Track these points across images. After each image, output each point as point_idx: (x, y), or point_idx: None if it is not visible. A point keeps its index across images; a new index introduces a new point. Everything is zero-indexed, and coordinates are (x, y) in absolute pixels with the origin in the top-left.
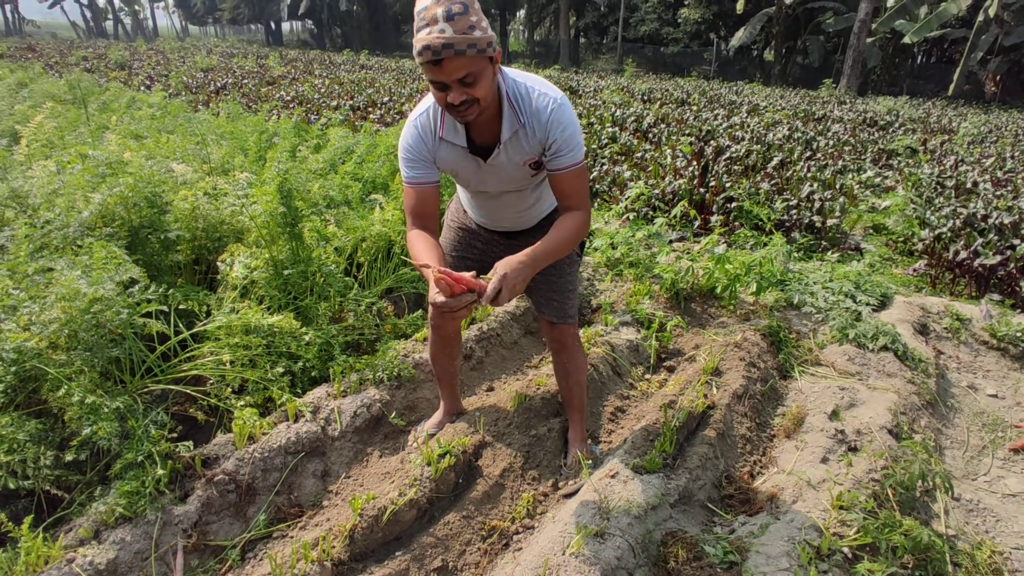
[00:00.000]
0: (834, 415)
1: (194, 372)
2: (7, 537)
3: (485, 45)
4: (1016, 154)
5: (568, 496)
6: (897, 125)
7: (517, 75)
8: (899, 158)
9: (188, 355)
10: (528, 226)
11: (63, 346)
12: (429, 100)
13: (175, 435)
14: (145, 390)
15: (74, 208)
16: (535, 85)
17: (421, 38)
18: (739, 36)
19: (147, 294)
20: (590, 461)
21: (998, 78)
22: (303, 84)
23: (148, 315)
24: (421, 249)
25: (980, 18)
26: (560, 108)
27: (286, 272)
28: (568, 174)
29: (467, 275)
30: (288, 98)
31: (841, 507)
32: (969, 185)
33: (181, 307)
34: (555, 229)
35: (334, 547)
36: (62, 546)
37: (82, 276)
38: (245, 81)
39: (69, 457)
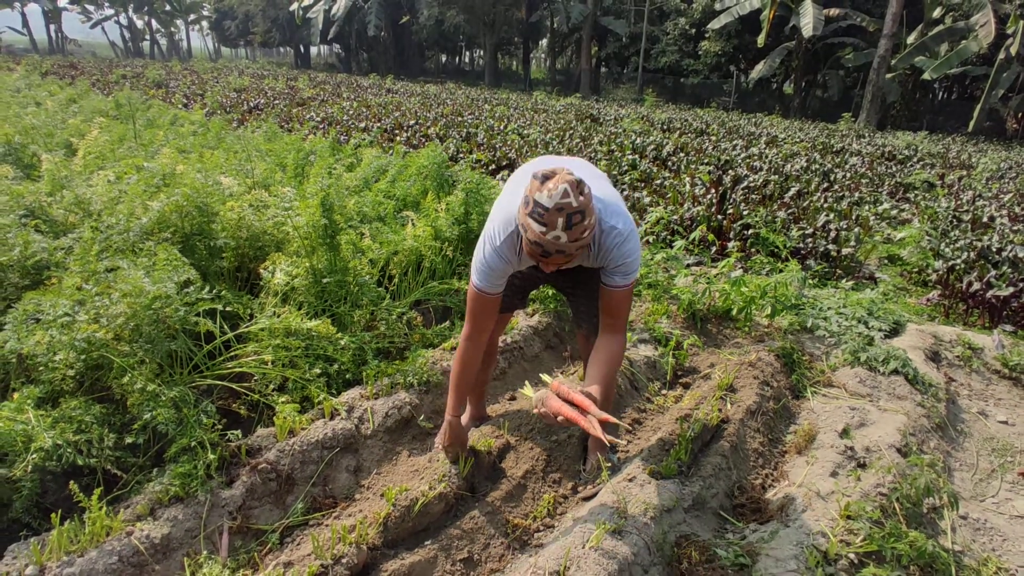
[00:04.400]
0: (844, 433)
1: (238, 370)
2: (75, 507)
3: (591, 239)
4: None
5: (587, 499)
6: (915, 160)
7: (593, 197)
8: (916, 192)
9: (232, 354)
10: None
11: (126, 338)
12: (509, 225)
13: (220, 427)
14: (192, 384)
15: (133, 215)
16: (606, 212)
17: (535, 232)
18: (759, 69)
19: (202, 294)
20: (609, 465)
21: (1020, 115)
22: (332, 106)
23: (198, 315)
24: (465, 372)
25: (1001, 55)
26: (625, 241)
27: (324, 281)
28: (619, 292)
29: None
30: (318, 119)
31: (848, 517)
32: (985, 219)
33: (226, 309)
34: (602, 360)
35: (368, 533)
36: (122, 520)
37: (145, 275)
38: (276, 102)
39: (130, 440)
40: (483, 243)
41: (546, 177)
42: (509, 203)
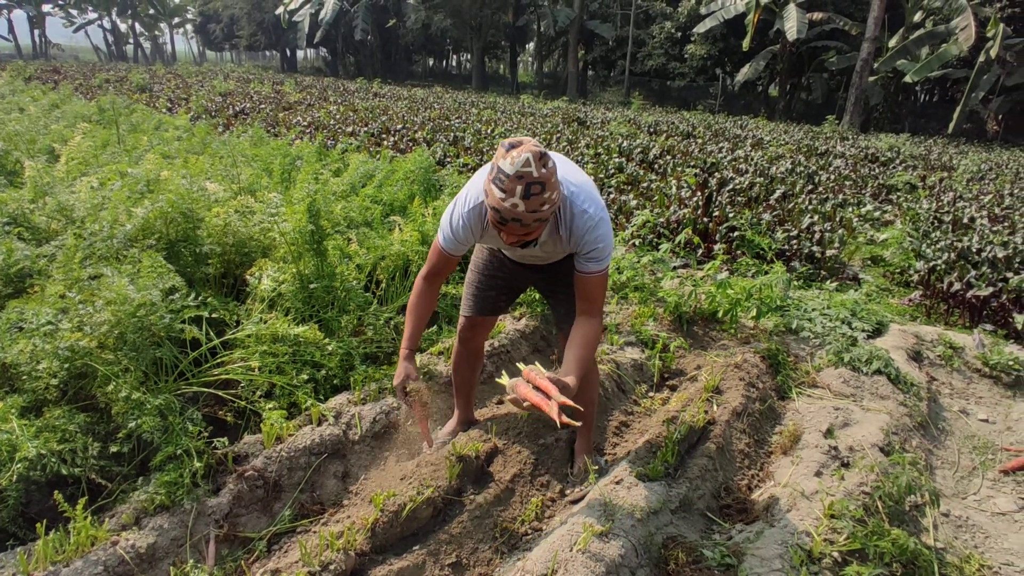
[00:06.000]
0: (828, 433)
1: (224, 377)
2: (61, 517)
3: (551, 213)
4: (1015, 191)
5: (574, 502)
6: (898, 162)
7: (564, 180)
8: (898, 193)
9: (218, 361)
10: (552, 262)
11: (111, 346)
12: (480, 195)
13: (206, 435)
14: (178, 392)
15: (117, 221)
16: (578, 197)
17: (495, 198)
18: (744, 72)
19: (188, 301)
20: (596, 468)
21: (1000, 117)
22: (319, 110)
23: (184, 322)
24: (419, 304)
25: (981, 58)
26: (596, 226)
27: (311, 286)
28: (592, 278)
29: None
30: (305, 124)
31: (832, 516)
32: (966, 220)
33: (212, 316)
34: (578, 344)
35: (357, 539)
36: (107, 529)
37: (130, 283)
38: (262, 106)
39: (115, 449)
40: (453, 206)
41: (512, 146)
42: (484, 174)
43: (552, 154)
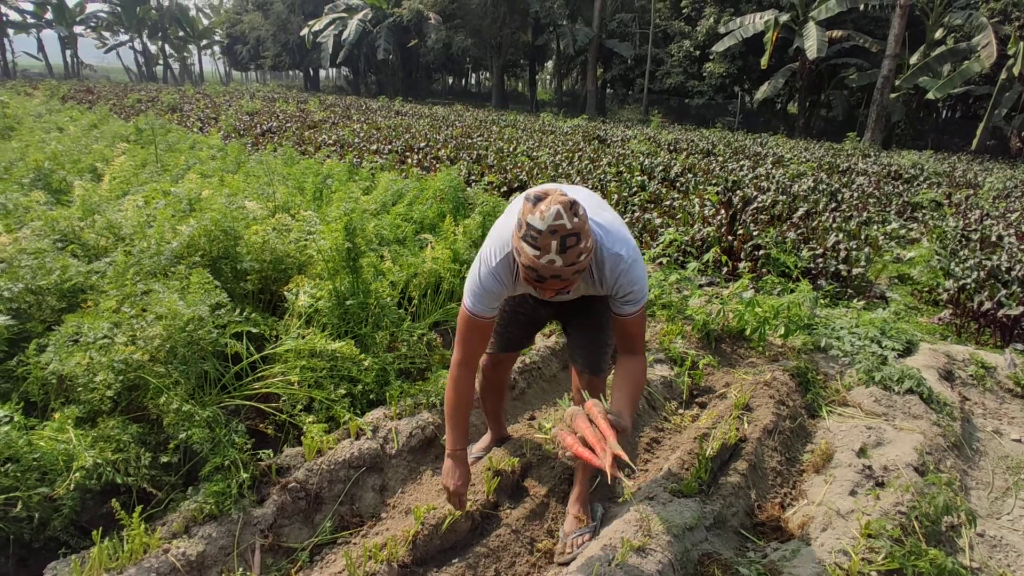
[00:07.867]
0: (861, 452)
1: (265, 390)
2: (113, 525)
3: (588, 263)
4: None
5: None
6: (922, 179)
7: (591, 220)
8: (924, 211)
9: (259, 375)
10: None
11: (162, 360)
12: (505, 246)
13: (248, 447)
14: (222, 404)
15: (163, 239)
16: (607, 240)
17: (529, 257)
18: (763, 90)
19: (233, 316)
20: (594, 524)
21: (1023, 134)
22: (343, 129)
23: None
24: (458, 401)
25: (1003, 75)
26: (630, 268)
27: (347, 303)
28: (631, 319)
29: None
30: (331, 142)
31: (869, 535)
32: (994, 238)
33: (252, 331)
34: (626, 382)
35: (399, 551)
36: (159, 537)
37: (180, 299)
38: (288, 125)
39: (165, 459)
40: (478, 263)
41: (538, 199)
42: (506, 224)
43: (575, 189)
